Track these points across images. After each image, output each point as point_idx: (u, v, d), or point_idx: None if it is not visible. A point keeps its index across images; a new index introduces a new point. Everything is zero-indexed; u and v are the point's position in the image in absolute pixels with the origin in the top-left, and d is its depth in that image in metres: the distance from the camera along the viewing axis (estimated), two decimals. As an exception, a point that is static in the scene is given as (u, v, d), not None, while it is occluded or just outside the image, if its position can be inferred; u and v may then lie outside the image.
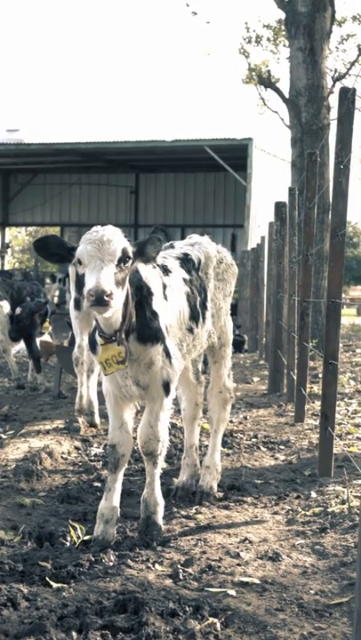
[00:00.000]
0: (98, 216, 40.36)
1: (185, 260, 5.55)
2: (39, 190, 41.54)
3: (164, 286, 5.10)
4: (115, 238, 4.47)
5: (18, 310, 11.19)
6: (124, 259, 4.44)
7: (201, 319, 5.48)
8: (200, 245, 5.76)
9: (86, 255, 4.41)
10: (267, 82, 23.67)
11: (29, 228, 52.23)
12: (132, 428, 5.10)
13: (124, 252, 4.46)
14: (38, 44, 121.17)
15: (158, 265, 5.17)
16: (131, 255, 4.51)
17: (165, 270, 5.22)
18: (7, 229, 44.01)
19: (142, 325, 4.81)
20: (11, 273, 23.44)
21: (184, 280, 5.39)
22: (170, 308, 5.10)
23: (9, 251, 44.61)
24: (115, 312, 4.54)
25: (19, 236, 54.52)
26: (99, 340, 4.73)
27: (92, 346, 4.96)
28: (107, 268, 4.35)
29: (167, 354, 4.94)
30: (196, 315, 5.40)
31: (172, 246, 5.77)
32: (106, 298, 4.22)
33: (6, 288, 11.63)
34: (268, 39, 27.21)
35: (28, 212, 42.05)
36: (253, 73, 25.29)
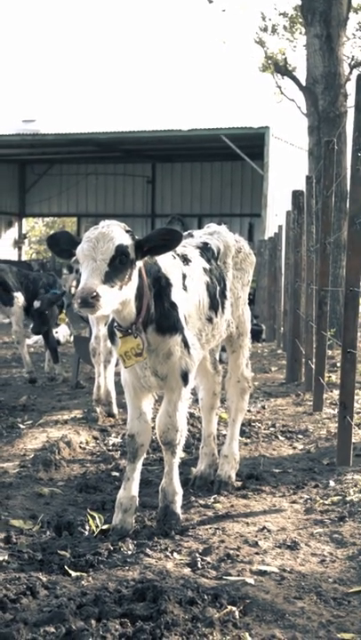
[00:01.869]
0: (115, 206, 40.38)
1: (205, 249, 5.54)
2: (56, 181, 41.57)
3: (184, 276, 5.09)
4: (111, 236, 4.44)
5: (37, 304, 11.15)
6: (119, 257, 4.40)
7: (220, 309, 5.47)
8: (219, 234, 5.75)
9: (82, 254, 4.42)
10: (283, 70, 23.55)
11: (46, 219, 52.29)
12: (150, 417, 5.10)
13: (119, 249, 4.41)
14: (54, 34, 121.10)
15: (178, 254, 5.17)
16: (129, 252, 4.46)
17: (185, 260, 5.22)
18: (24, 220, 44.09)
19: (161, 316, 4.82)
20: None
21: (204, 269, 5.38)
22: (189, 298, 5.09)
23: (26, 241, 44.72)
24: (127, 307, 4.58)
25: (36, 227, 54.59)
26: (117, 332, 4.75)
27: (112, 338, 4.98)
28: (97, 268, 4.33)
29: (186, 344, 4.94)
30: (215, 304, 5.39)
31: (191, 235, 5.76)
32: (91, 300, 4.21)
33: (21, 279, 11.65)
34: (285, 27, 27.10)
35: (45, 203, 42.09)
36: (270, 61, 25.19)
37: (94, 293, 4.23)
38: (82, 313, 4.52)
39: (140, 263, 4.62)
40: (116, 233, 4.48)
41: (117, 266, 4.40)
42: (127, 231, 4.59)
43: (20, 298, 11.56)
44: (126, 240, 4.50)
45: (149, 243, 4.58)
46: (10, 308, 11.60)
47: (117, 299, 4.46)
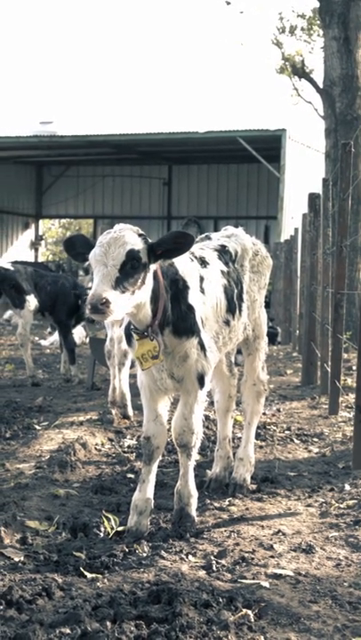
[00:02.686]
0: (131, 208, 40.45)
1: (222, 252, 5.54)
2: (72, 182, 41.70)
3: (202, 279, 5.09)
4: (123, 241, 4.43)
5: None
6: (130, 262, 4.39)
7: (237, 311, 5.47)
8: (237, 237, 5.76)
9: (93, 259, 4.43)
10: (300, 72, 23.56)
11: (62, 221, 52.45)
12: (166, 420, 5.11)
13: (130, 254, 4.40)
14: (72, 37, 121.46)
15: (196, 257, 5.18)
16: (141, 257, 4.45)
17: (203, 262, 5.22)
18: (41, 222, 44.24)
19: (178, 319, 4.82)
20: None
21: (222, 272, 5.38)
22: (206, 301, 5.09)
23: (42, 243, 44.85)
24: (142, 310, 4.58)
25: (52, 229, 54.75)
26: (133, 335, 4.76)
27: (128, 340, 4.98)
28: (107, 274, 4.34)
29: (202, 347, 4.94)
30: (232, 307, 5.39)
31: (208, 238, 5.76)
32: (100, 306, 4.22)
33: (37, 280, 11.66)
34: (303, 28, 27.10)
35: (62, 205, 42.23)
36: (287, 63, 25.18)
37: (104, 300, 4.23)
38: (93, 318, 4.54)
39: (154, 266, 4.62)
40: (128, 237, 4.47)
41: (129, 271, 4.39)
42: (140, 235, 4.57)
43: (31, 301, 11.57)
44: (138, 244, 4.48)
45: (162, 246, 4.57)
46: (20, 310, 11.63)
47: (129, 304, 4.46)
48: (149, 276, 4.58)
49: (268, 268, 6.01)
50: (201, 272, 5.12)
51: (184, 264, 4.94)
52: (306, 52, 27.58)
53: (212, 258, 5.37)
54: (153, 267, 4.60)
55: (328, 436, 7.86)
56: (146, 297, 4.59)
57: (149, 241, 4.58)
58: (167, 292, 4.76)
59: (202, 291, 5.05)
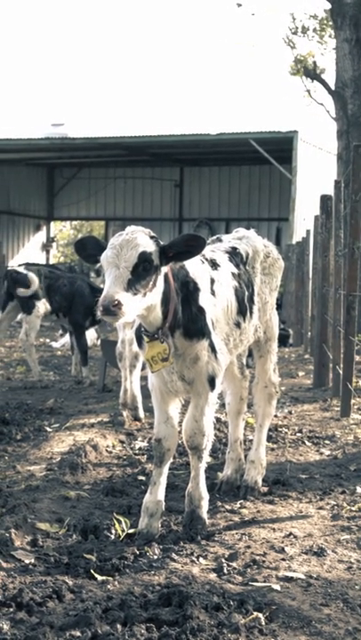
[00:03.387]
0: (142, 210, 40.48)
1: (233, 254, 5.53)
2: (84, 184, 41.76)
3: (212, 281, 5.09)
4: (135, 243, 4.44)
5: None
6: (142, 264, 4.40)
7: (248, 314, 5.45)
8: (248, 239, 5.75)
9: (105, 261, 4.44)
10: (312, 74, 23.52)
11: (74, 223, 52.52)
12: (177, 422, 5.10)
13: (142, 257, 4.41)
14: (82, 38, 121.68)
15: (207, 259, 5.17)
16: (153, 259, 4.46)
17: (214, 264, 5.22)
18: (52, 223, 44.31)
19: (188, 321, 4.81)
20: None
21: (232, 274, 5.38)
22: (217, 303, 5.08)
23: (54, 245, 44.92)
24: (153, 312, 4.58)
25: (63, 230, 54.84)
26: (144, 337, 4.76)
27: (139, 342, 4.97)
28: (119, 276, 4.35)
29: (213, 349, 4.93)
30: (243, 309, 5.38)
31: (219, 240, 5.75)
32: (112, 308, 4.23)
33: (51, 282, 11.65)
34: (315, 30, 27.06)
35: (73, 207, 42.30)
36: (299, 65, 25.16)
37: (116, 302, 4.24)
38: (105, 320, 4.55)
39: (165, 269, 4.62)
40: (140, 240, 4.48)
41: (141, 273, 4.40)
42: (152, 237, 4.57)
43: (40, 307, 11.55)
44: (150, 247, 4.49)
45: (174, 249, 4.57)
46: (27, 315, 11.62)
47: (141, 306, 4.46)
48: (160, 279, 4.57)
49: (279, 270, 5.99)
50: (212, 274, 5.11)
51: (195, 266, 4.94)
52: (318, 54, 27.57)
53: (222, 260, 5.36)
54: (164, 269, 4.60)
55: (340, 439, 7.83)
56: (157, 299, 4.59)
57: (161, 243, 4.58)
58: (178, 295, 4.76)
59: (212, 293, 5.05)
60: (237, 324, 5.32)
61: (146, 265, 4.42)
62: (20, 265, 12.75)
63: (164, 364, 4.75)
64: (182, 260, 4.65)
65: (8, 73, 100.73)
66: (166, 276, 4.66)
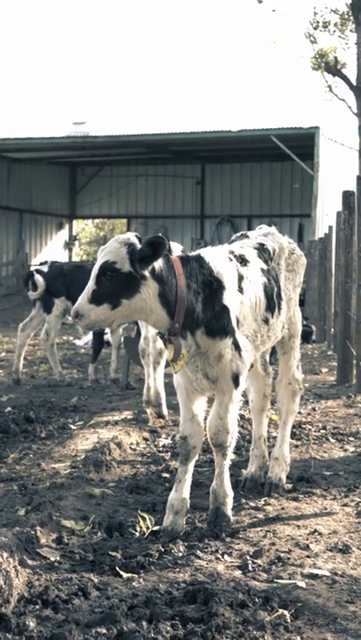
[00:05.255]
0: (164, 207, 40.50)
1: (261, 250, 5.52)
2: (106, 182, 41.82)
3: (241, 278, 5.08)
4: (104, 253, 4.62)
5: None
6: (103, 275, 4.57)
7: (277, 310, 5.45)
8: (273, 236, 5.74)
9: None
10: (333, 69, 23.44)
11: (96, 221, 52.62)
12: (203, 419, 5.10)
13: (103, 267, 4.57)
14: (104, 37, 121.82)
15: (236, 256, 5.18)
16: (117, 268, 4.54)
17: (243, 261, 5.21)
18: (74, 222, 44.42)
19: (211, 319, 4.81)
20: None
21: (262, 270, 5.37)
22: (245, 300, 5.08)
23: (76, 243, 45.03)
24: (151, 315, 4.67)
25: (86, 229, 54.95)
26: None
27: (164, 342, 4.99)
28: (88, 287, 4.60)
29: (237, 347, 4.93)
30: (272, 305, 5.37)
31: (246, 236, 5.76)
32: (75, 320, 4.64)
33: (77, 275, 11.60)
34: (336, 24, 26.94)
35: (95, 205, 42.38)
36: (320, 60, 25.05)
37: (74, 314, 4.59)
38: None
39: (149, 274, 4.61)
40: (108, 249, 4.63)
41: (104, 283, 4.58)
42: (127, 244, 4.59)
43: (59, 305, 11.55)
44: (116, 256, 4.57)
45: (140, 253, 4.57)
46: (47, 314, 11.64)
47: (115, 314, 4.63)
48: (146, 284, 4.60)
49: (302, 267, 5.98)
50: (240, 271, 5.11)
51: (220, 264, 4.95)
52: (339, 49, 27.47)
53: (252, 256, 5.36)
54: (147, 274, 4.60)
55: (364, 435, 7.80)
56: (147, 304, 4.64)
57: (137, 249, 4.58)
58: (198, 294, 4.76)
59: (240, 290, 5.05)
60: (265, 321, 5.31)
61: (109, 275, 4.56)
62: (42, 263, 12.78)
63: (180, 364, 4.78)
64: (150, 263, 4.60)
65: (30, 72, 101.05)
66: (170, 277, 4.66)
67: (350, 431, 8.01)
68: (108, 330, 13.81)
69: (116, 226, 51.54)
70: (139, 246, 4.59)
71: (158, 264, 4.63)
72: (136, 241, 4.62)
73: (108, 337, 12.96)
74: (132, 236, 4.66)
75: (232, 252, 5.18)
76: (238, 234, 5.89)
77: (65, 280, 11.63)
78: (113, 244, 4.64)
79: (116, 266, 4.56)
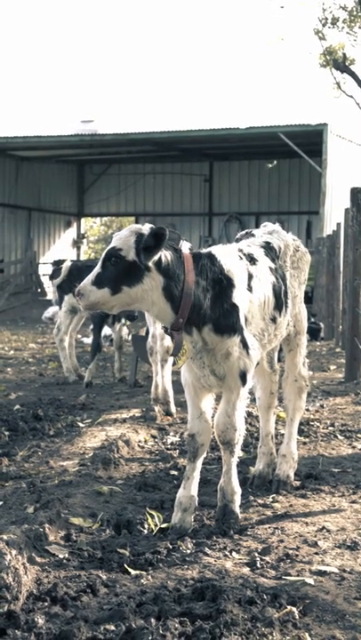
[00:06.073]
0: (172, 205, 40.49)
1: (268, 249, 5.52)
2: (114, 180, 41.85)
3: (250, 276, 5.09)
4: (113, 240, 4.74)
5: None
6: (108, 260, 4.66)
7: (284, 308, 5.45)
8: (278, 233, 5.74)
9: None
10: (342, 66, 23.39)
11: (104, 219, 52.65)
12: (210, 416, 5.10)
13: (109, 253, 4.68)
14: (112, 35, 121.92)
15: (245, 254, 5.18)
16: (122, 255, 4.62)
17: (252, 259, 5.22)
18: (83, 220, 44.45)
19: (219, 317, 4.82)
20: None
21: (270, 269, 5.38)
22: (253, 299, 5.08)
23: (84, 241, 45.05)
24: (153, 307, 4.71)
25: (94, 227, 54.98)
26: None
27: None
28: (95, 269, 4.73)
29: (244, 344, 4.94)
30: (280, 304, 5.38)
31: (251, 234, 5.75)
32: (76, 296, 4.77)
33: (79, 274, 11.66)
34: (344, 21, 26.88)
35: (103, 203, 42.41)
36: (329, 56, 25.01)
37: (77, 292, 4.71)
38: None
39: (153, 266, 4.63)
40: (119, 236, 4.73)
41: (108, 267, 4.67)
42: (137, 234, 4.65)
43: (68, 302, 11.60)
44: (124, 244, 4.65)
45: (144, 243, 4.61)
46: (59, 310, 11.82)
47: (116, 300, 4.70)
48: (150, 275, 4.63)
49: (307, 264, 5.98)
50: (250, 269, 5.12)
51: (231, 262, 4.96)
52: (348, 46, 27.42)
53: (259, 255, 5.36)
54: (151, 266, 4.62)
55: (372, 432, 7.79)
56: (149, 295, 4.66)
57: (144, 239, 4.62)
58: (207, 291, 4.77)
59: (249, 288, 5.05)
60: (273, 319, 5.31)
61: (113, 260, 4.64)
62: (58, 261, 12.81)
63: (182, 359, 4.80)
64: (154, 253, 4.63)
65: (38, 71, 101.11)
66: (178, 273, 4.68)
67: (358, 428, 8.00)
68: (109, 330, 13.84)
69: (124, 224, 51.56)
70: None
71: (166, 258, 4.65)
72: (147, 232, 4.65)
73: (111, 333, 13.04)
74: (144, 227, 4.69)
75: (241, 251, 5.19)
76: (243, 232, 5.89)
77: (76, 276, 11.68)
78: (125, 232, 4.73)
79: (121, 253, 4.63)
